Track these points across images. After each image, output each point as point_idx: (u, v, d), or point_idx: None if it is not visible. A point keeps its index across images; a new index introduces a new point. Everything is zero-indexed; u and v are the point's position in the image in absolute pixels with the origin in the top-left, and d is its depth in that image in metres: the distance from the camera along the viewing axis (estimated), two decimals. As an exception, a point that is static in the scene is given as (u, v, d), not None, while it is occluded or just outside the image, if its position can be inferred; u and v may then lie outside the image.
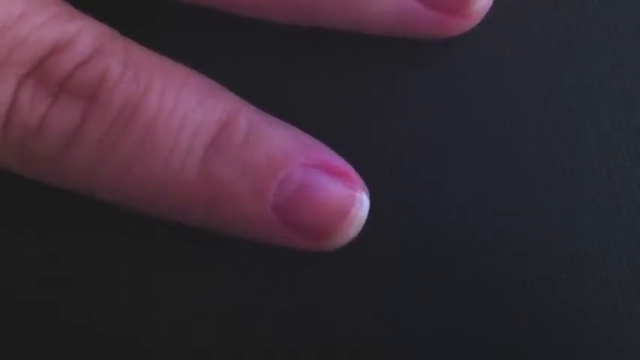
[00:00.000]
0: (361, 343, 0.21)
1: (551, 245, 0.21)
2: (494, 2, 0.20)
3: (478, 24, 0.21)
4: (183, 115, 0.19)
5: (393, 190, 0.21)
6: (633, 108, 0.21)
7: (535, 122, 0.21)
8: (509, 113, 0.21)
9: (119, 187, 0.20)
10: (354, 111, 0.21)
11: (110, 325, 0.21)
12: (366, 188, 0.20)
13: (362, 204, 0.20)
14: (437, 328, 0.21)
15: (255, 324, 0.21)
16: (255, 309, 0.21)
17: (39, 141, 0.19)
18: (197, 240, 0.21)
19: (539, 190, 0.21)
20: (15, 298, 0.21)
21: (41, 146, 0.19)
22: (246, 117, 0.20)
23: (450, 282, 0.21)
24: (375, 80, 0.21)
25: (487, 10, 0.20)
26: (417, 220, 0.21)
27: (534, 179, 0.21)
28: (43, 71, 0.19)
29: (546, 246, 0.21)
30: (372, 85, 0.21)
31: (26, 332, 0.21)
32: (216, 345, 0.21)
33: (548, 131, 0.21)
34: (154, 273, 0.21)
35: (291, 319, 0.21)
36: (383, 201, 0.21)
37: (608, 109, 0.21)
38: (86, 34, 0.19)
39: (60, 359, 0.21)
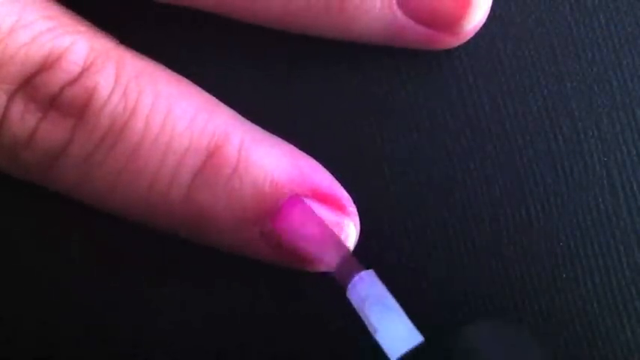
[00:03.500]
0: (360, 347, 0.21)
1: (552, 245, 0.21)
2: (494, 2, 0.20)
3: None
4: (169, 140, 0.19)
5: (391, 190, 0.21)
6: (633, 108, 0.21)
7: (535, 122, 0.21)
8: (509, 113, 0.21)
9: (104, 201, 0.20)
10: (353, 113, 0.21)
11: (110, 326, 0.21)
12: (355, 213, 0.20)
13: (350, 232, 0.20)
14: (436, 331, 0.21)
15: (255, 328, 0.21)
16: (254, 312, 0.21)
17: (29, 152, 0.19)
18: (195, 245, 0.21)
19: (539, 190, 0.21)
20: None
21: (31, 157, 0.19)
22: (235, 141, 0.19)
23: (450, 282, 0.21)
24: (375, 83, 0.21)
25: (478, 28, 0.20)
26: (416, 221, 0.21)
27: (534, 179, 0.21)
28: (33, 87, 0.19)
29: (546, 246, 0.21)
30: (371, 87, 0.21)
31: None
32: (215, 346, 0.21)
33: (548, 131, 0.21)
34: (155, 276, 0.21)
35: (290, 324, 0.21)
36: (382, 202, 0.21)
37: (608, 109, 0.21)
38: (77, 49, 0.19)
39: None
